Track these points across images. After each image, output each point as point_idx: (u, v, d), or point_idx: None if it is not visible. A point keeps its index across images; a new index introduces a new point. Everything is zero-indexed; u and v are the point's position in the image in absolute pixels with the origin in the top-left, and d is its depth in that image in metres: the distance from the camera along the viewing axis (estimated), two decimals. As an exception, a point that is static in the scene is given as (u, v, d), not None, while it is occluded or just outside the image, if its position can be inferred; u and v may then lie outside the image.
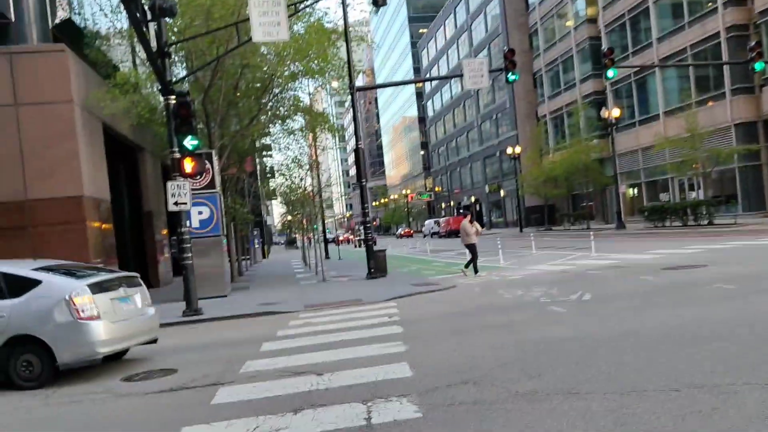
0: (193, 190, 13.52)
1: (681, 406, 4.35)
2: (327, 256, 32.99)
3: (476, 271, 16.40)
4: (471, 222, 17.07)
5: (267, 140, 28.23)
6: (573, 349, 6.55)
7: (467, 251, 16.77)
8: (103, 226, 17.09)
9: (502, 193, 61.00)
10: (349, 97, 21.58)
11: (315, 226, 29.43)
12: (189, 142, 12.31)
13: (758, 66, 22.78)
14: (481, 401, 4.97)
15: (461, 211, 72.23)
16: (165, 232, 24.13)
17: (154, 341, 8.52)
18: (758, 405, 4.25)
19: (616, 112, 35.28)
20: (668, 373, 5.19)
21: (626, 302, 9.44)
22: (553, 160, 45.11)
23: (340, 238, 69.57)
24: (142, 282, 8.65)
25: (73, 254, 15.24)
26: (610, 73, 24.04)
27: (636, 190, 41.04)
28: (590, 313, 8.83)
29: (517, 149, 49.02)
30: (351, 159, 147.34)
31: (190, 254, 12.93)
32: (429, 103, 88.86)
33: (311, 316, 11.64)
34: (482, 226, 65.54)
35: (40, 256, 14.40)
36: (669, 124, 35.01)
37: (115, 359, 8.27)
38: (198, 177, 14.50)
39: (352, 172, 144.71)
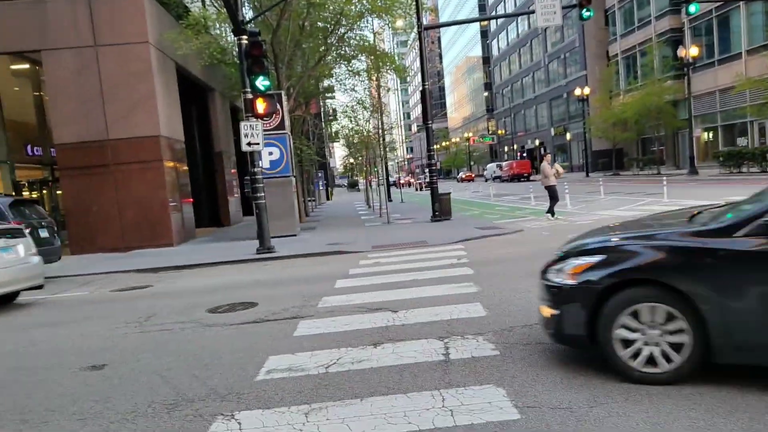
0: (263, 131, 13.77)
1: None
2: (389, 199, 33.20)
3: (552, 214, 16.17)
4: (550, 164, 16.53)
5: (331, 82, 28.23)
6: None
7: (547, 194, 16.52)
8: (178, 165, 17.73)
9: (568, 136, 59.15)
10: (412, 36, 21.17)
11: (376, 169, 29.55)
12: (261, 83, 12.47)
13: None
14: (559, 342, 5.02)
15: (524, 155, 70.73)
16: (234, 172, 24.83)
17: (40, 287, 9.47)
18: None
19: (693, 51, 33.19)
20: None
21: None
22: (623, 102, 43.17)
23: (401, 181, 69.58)
24: (26, 234, 9.44)
25: (151, 192, 16.06)
26: (692, 8, 22.53)
27: (711, 134, 38.95)
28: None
29: (586, 90, 47.13)
30: (412, 101, 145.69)
31: (262, 194, 13.30)
32: (494, 43, 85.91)
33: (380, 256, 11.87)
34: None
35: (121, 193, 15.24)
36: (752, 63, 32.71)
37: (7, 302, 9.26)
38: (269, 118, 14.75)
39: (413, 114, 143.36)
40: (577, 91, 47.89)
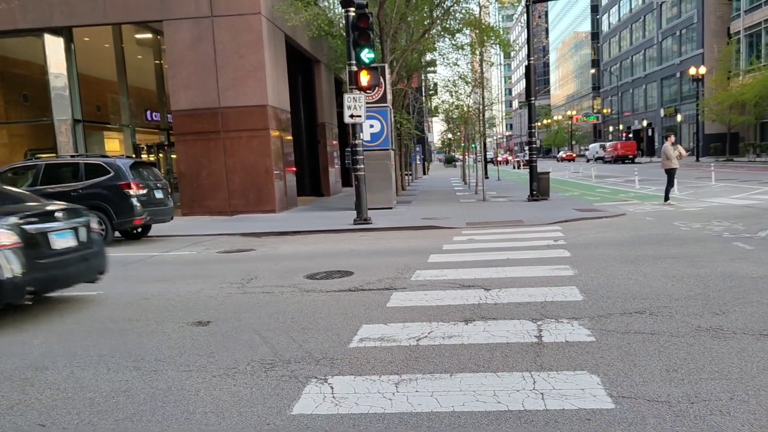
0: (366, 103, 13.95)
1: None
2: (486, 176, 32.76)
3: (666, 198, 15.47)
4: (673, 145, 15.68)
5: (434, 55, 28.01)
6: (763, 288, 6.06)
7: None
8: (283, 135, 18.35)
9: (679, 117, 55.55)
10: (518, 10, 20.55)
11: (474, 145, 29.17)
12: (366, 55, 12.61)
13: None
14: (659, 332, 4.84)
15: (629, 136, 67.27)
16: (335, 143, 25.37)
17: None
18: None
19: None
20: None
21: (831, 246, 8.45)
22: (743, 83, 39.97)
23: (499, 158, 68.31)
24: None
25: (257, 160, 16.75)
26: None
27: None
28: (784, 253, 8.03)
29: (702, 70, 43.94)
30: (514, 77, 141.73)
31: (362, 166, 13.54)
32: (605, 18, 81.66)
33: (474, 233, 11.82)
34: (651, 154, 60.89)
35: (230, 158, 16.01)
36: None
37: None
38: (371, 90, 14.91)
39: (515, 90, 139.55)
40: (692, 71, 44.76)
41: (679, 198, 16.84)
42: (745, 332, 4.73)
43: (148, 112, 22.79)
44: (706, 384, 3.80)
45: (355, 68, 12.90)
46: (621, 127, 72.06)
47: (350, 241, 11.62)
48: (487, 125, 37.64)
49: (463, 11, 21.23)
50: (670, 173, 15.50)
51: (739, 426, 3.23)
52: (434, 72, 36.59)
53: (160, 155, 23.08)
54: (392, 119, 17.84)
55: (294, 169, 19.50)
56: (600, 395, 3.70)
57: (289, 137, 19.16)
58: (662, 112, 60.42)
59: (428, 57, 28.40)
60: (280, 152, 17.94)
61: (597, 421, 3.34)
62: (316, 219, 15.40)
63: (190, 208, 17.35)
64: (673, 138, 15.93)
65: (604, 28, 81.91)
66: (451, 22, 21.44)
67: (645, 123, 65.60)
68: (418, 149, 42.92)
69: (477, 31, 22.49)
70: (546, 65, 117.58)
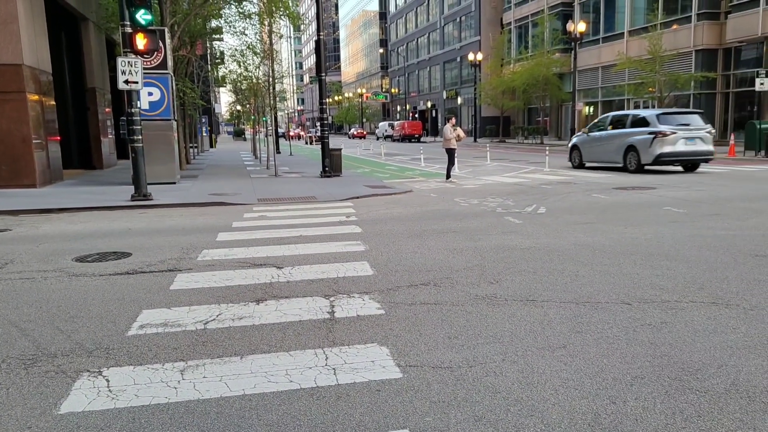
0: (143, 69, 12.76)
1: (632, 319, 4.58)
2: (278, 151, 32.44)
3: (448, 177, 16.59)
4: (453, 127, 16.79)
5: (220, 23, 26.68)
6: (530, 258, 6.75)
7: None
8: (44, 99, 16.08)
9: (459, 100, 60.53)
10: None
11: (265, 119, 28.63)
12: (142, 17, 11.48)
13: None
14: (442, 302, 5.10)
15: (416, 116, 71.62)
16: (109, 110, 23.00)
17: None
18: (705, 321, 4.51)
19: (581, 27, 34.87)
20: (621, 288, 5.43)
21: (580, 217, 9.73)
22: (513, 71, 44.75)
23: (291, 133, 68.22)
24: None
25: (11, 127, 14.51)
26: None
27: (592, 109, 41.49)
28: (545, 225, 9.05)
29: (479, 56, 48.23)
30: (305, 51, 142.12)
31: (140, 136, 12.40)
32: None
33: (265, 209, 11.54)
34: (435, 134, 65.58)
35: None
36: (632, 44, 35.01)
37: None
38: (149, 55, 13.68)
39: (306, 65, 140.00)
40: (471, 56, 48.89)
41: (459, 176, 18.25)
42: (515, 299, 5.17)
43: None
44: (482, 348, 4.06)
45: (129, 30, 11.66)
46: (408, 107, 76.33)
47: (128, 219, 10.59)
48: (278, 99, 37.13)
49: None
50: (450, 153, 16.71)
51: (510, 384, 3.49)
52: (221, 40, 34.97)
53: None
54: (174, 87, 16.61)
55: (58, 138, 17.22)
56: (389, 366, 3.77)
57: (52, 102, 16.84)
58: (445, 95, 65.18)
59: (214, 24, 26.99)
60: (41, 119, 15.70)
61: (386, 392, 3.40)
62: (87, 194, 13.80)
63: (-77, 183, 14.47)
64: (453, 120, 17.16)
65: (392, 8, 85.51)
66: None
67: (429, 104, 70.21)
68: (204, 120, 40.92)
69: (265, 1, 21.87)
70: (336, 41, 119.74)
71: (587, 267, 6.25)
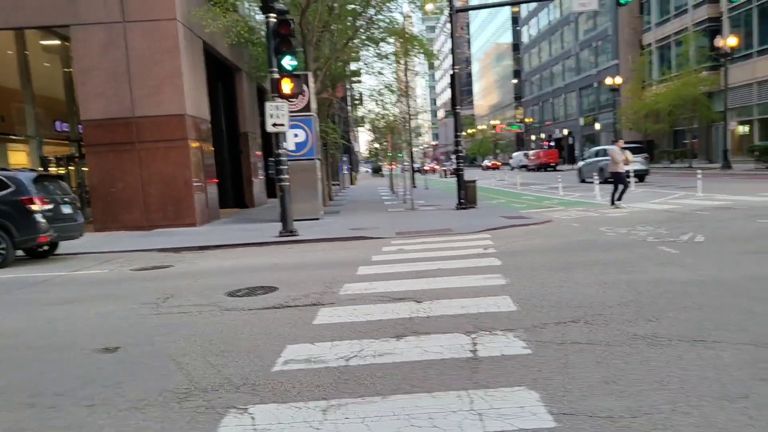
0: (289, 112, 13.52)
1: (830, 366, 3.91)
2: (414, 185, 32.89)
3: (612, 202, 15.69)
4: (622, 150, 15.80)
5: (359, 65, 27.87)
6: (693, 292, 6.08)
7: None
8: (204, 145, 17.60)
9: (597, 126, 57.96)
10: (440, 21, 20.73)
11: (400, 155, 29.18)
12: (288, 62, 12.22)
13: None
14: (595, 341, 4.70)
15: (551, 144, 69.60)
16: (259, 153, 24.69)
17: None
18: None
19: (732, 41, 32.07)
20: (810, 328, 4.70)
21: (746, 246, 8.71)
22: (656, 93, 42.10)
23: (426, 167, 69.06)
24: None
25: (175, 171, 15.96)
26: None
27: (747, 128, 37.80)
28: (706, 255, 8.19)
29: (618, 80, 46.00)
30: (438, 87, 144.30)
31: (287, 176, 13.08)
32: (524, 29, 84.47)
33: (403, 242, 11.59)
34: (572, 161, 63.21)
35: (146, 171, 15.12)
36: (793, 55, 31.60)
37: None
38: (295, 98, 14.49)
39: (440, 101, 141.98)
40: (608, 81, 46.77)
41: (602, 203, 17.27)
42: (680, 339, 4.64)
43: (57, 123, 21.40)
44: (646, 396, 3.64)
45: (277, 76, 12.45)
46: (543, 135, 74.47)
47: (275, 254, 11.13)
48: (413, 134, 37.82)
49: (387, 21, 21.17)
50: (617, 177, 15.67)
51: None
52: (359, 82, 36.50)
53: (71, 168, 21.69)
54: (317, 128, 17.44)
55: (216, 180, 18.73)
56: (540, 413, 3.47)
57: (210, 147, 18.41)
58: (582, 121, 62.84)
59: (353, 67, 28.23)
60: (201, 163, 17.18)
61: (539, 443, 3.11)
62: (239, 232, 14.77)
63: (104, 224, 16.30)
64: (622, 142, 16.19)
65: (524, 39, 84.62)
66: (375, 32, 21.33)
67: (565, 132, 68.02)
68: (345, 159, 42.66)
69: (401, 41, 22.50)
70: (469, 75, 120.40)
71: (764, 303, 5.50)
